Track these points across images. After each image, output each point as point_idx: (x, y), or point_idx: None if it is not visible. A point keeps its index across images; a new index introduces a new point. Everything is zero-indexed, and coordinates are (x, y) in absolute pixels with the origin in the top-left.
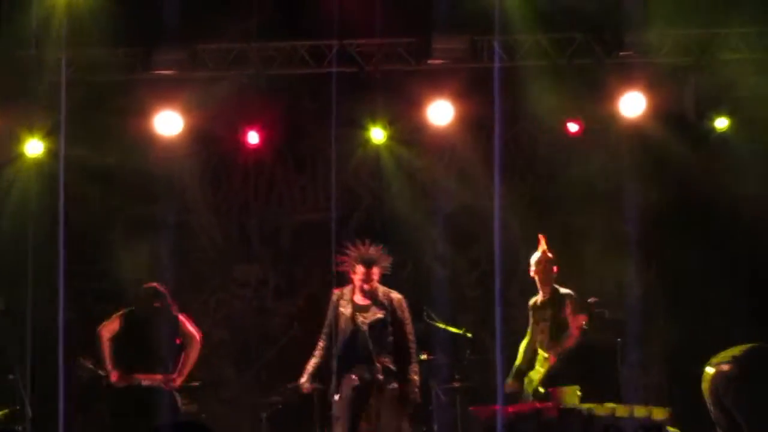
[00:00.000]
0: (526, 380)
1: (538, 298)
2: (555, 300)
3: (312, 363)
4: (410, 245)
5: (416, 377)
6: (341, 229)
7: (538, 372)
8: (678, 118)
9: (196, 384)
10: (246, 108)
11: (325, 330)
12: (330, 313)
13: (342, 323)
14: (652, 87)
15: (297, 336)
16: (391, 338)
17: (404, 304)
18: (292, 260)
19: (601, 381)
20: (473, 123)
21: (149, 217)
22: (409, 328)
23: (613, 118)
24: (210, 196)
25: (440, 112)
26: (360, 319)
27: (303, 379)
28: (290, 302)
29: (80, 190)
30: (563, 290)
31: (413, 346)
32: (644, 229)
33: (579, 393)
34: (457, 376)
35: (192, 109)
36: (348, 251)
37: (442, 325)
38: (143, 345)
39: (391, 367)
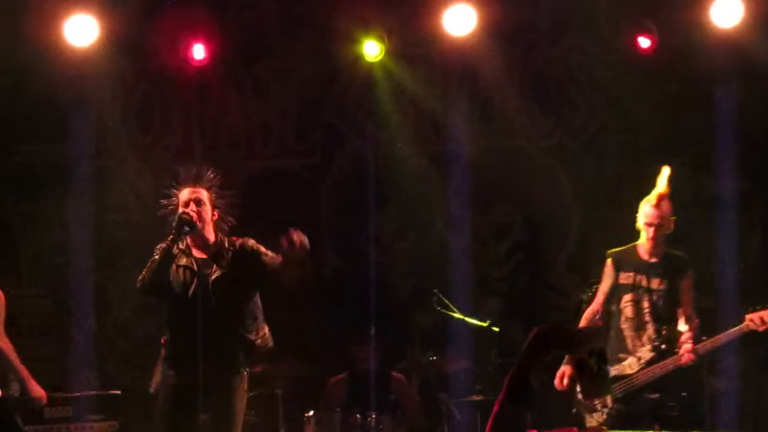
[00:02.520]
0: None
1: (636, 254)
2: (671, 266)
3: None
4: (414, 205)
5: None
6: (317, 180)
7: (634, 363)
8: None
9: (116, 393)
10: (188, 11)
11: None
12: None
13: (175, 287)
14: None
15: None
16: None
17: (251, 242)
18: (248, 221)
19: (680, 398)
20: (504, 35)
21: (52, 160)
22: (268, 255)
23: (699, 29)
24: (137, 133)
25: (459, 19)
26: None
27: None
28: None
29: None
30: (678, 252)
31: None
32: (745, 181)
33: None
34: (478, 387)
35: (112, 11)
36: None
37: (458, 316)
38: None
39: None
